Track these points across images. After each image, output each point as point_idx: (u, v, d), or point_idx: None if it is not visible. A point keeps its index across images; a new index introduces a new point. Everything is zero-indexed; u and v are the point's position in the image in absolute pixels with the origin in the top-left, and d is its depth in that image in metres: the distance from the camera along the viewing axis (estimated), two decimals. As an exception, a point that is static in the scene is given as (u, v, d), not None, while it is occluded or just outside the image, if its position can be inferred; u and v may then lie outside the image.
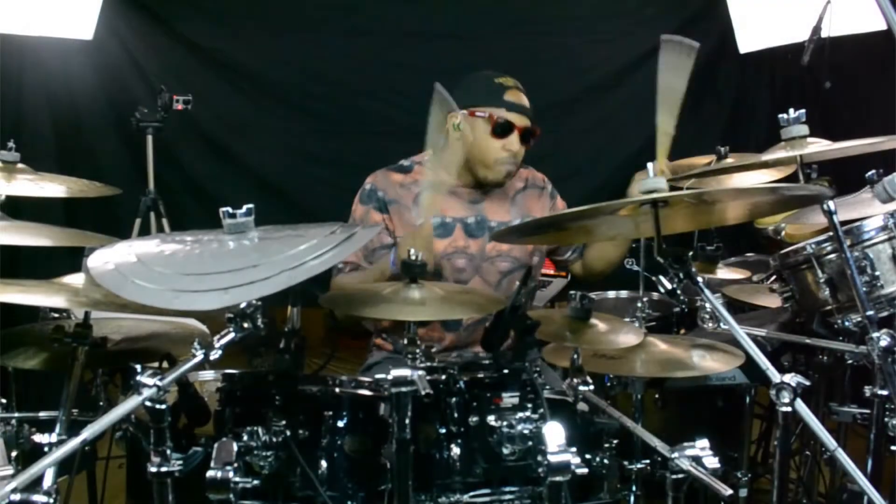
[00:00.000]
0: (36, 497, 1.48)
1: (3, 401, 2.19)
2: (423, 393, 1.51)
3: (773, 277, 2.34)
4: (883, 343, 1.79)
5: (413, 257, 1.80)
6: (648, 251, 2.59)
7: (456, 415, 1.66)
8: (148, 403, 1.45)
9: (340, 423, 1.67)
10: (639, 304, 2.52)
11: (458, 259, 2.49)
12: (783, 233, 2.77)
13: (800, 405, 1.52)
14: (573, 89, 4.73)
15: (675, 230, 1.82)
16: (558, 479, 1.57)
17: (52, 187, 2.30)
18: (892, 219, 2.07)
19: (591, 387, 1.83)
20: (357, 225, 2.47)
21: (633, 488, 2.06)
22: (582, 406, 1.86)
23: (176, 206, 4.19)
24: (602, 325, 2.00)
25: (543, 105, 4.54)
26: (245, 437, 1.59)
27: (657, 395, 2.46)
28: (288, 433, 1.61)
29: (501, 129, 2.43)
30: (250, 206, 1.52)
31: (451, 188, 2.52)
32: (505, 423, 1.64)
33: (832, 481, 2.69)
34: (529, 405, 1.66)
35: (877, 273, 2.06)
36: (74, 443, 1.41)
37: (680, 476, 1.67)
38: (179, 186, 4.45)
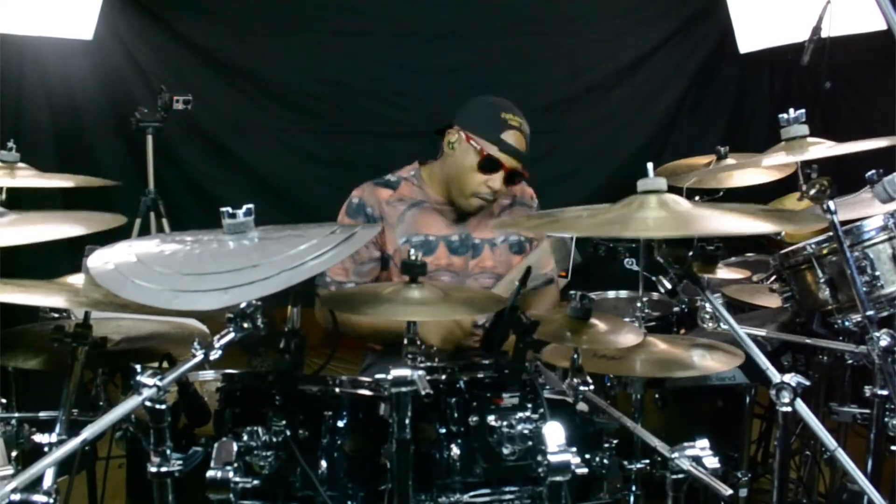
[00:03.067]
0: (36, 497, 1.48)
1: (3, 401, 2.19)
2: (423, 393, 1.51)
3: (773, 277, 2.34)
4: (883, 343, 1.79)
5: (413, 257, 1.80)
6: (648, 251, 2.59)
7: (456, 415, 1.66)
8: (148, 403, 1.45)
9: (340, 423, 1.67)
10: (639, 304, 2.52)
11: (442, 276, 2.50)
12: (783, 233, 2.77)
13: (800, 405, 1.52)
14: (573, 89, 4.72)
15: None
16: (558, 479, 1.56)
17: (52, 186, 2.30)
18: (892, 219, 2.07)
19: (591, 387, 1.83)
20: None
21: (633, 488, 2.06)
22: (582, 406, 1.86)
23: (176, 206, 4.20)
24: (602, 325, 2.00)
25: (543, 105, 4.60)
26: (245, 437, 1.59)
27: (657, 395, 2.46)
28: (288, 433, 1.61)
29: (488, 166, 2.40)
30: (250, 206, 1.52)
31: (435, 206, 2.54)
32: (505, 423, 1.64)
33: (832, 481, 2.69)
34: (529, 405, 1.66)
35: (877, 273, 2.06)
36: (74, 443, 1.41)
37: (680, 476, 1.67)
38: (179, 186, 4.45)
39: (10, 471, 1.82)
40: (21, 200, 2.35)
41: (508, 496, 1.66)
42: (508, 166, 2.40)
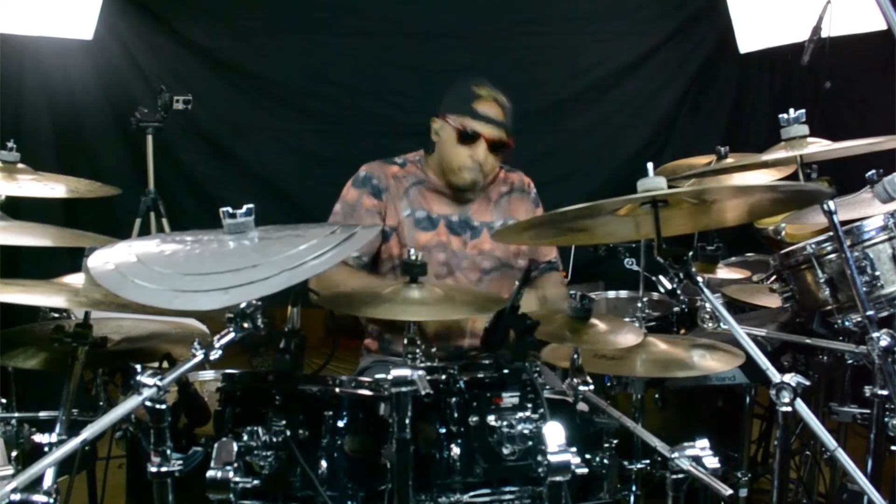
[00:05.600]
0: (36, 497, 1.48)
1: (3, 401, 2.19)
2: (423, 393, 1.51)
3: (773, 277, 2.34)
4: (883, 343, 1.79)
5: (413, 257, 1.80)
6: (648, 251, 2.59)
7: (456, 415, 1.66)
8: (148, 403, 1.45)
9: (340, 423, 1.67)
10: (639, 304, 2.52)
11: (440, 253, 2.52)
12: (783, 233, 2.77)
13: (800, 405, 1.52)
14: (573, 89, 4.73)
15: (675, 232, 1.82)
16: (558, 479, 1.57)
17: (52, 187, 2.30)
18: (892, 219, 2.07)
19: (591, 387, 1.83)
20: (347, 210, 2.52)
21: (633, 488, 2.06)
22: (582, 406, 1.86)
23: (176, 206, 4.19)
24: (602, 325, 2.00)
25: (543, 105, 4.61)
26: (245, 437, 1.59)
27: (657, 395, 2.46)
28: (288, 433, 1.61)
29: (466, 137, 2.45)
30: (250, 206, 1.52)
31: (438, 188, 2.57)
32: (505, 423, 1.64)
33: (832, 481, 2.69)
34: (529, 405, 1.66)
35: (877, 273, 2.06)
36: (74, 443, 1.41)
37: (680, 476, 1.67)
38: (179, 186, 4.45)
39: (10, 471, 1.83)
40: (20, 199, 2.35)
41: (508, 496, 1.66)
42: (487, 135, 2.44)
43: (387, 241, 2.54)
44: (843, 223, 1.97)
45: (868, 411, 2.00)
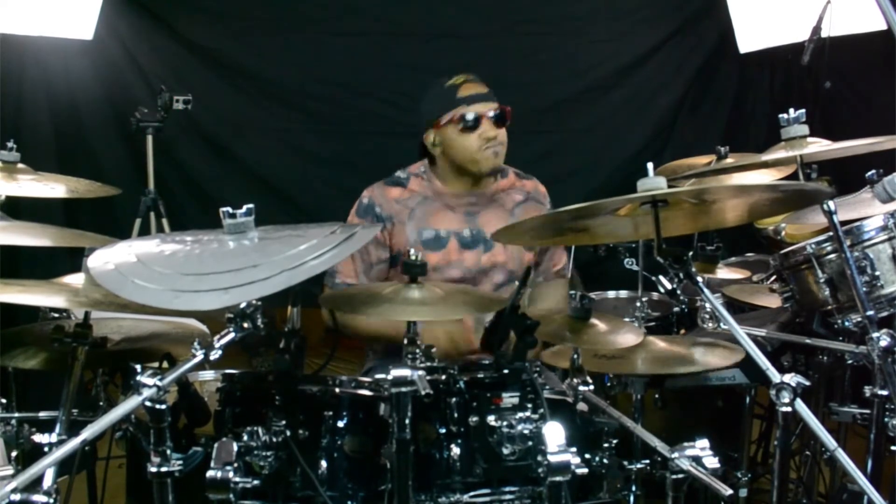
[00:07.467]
0: (36, 497, 1.48)
1: (3, 401, 2.19)
2: (423, 393, 1.51)
3: (773, 277, 2.34)
4: (883, 343, 1.79)
5: (413, 258, 1.80)
6: (648, 251, 2.59)
7: (456, 415, 1.66)
8: (148, 403, 1.45)
9: (340, 423, 1.67)
10: (639, 304, 2.52)
11: (453, 271, 2.49)
12: (783, 233, 2.77)
13: (800, 405, 1.52)
14: (573, 89, 4.72)
15: (675, 232, 1.82)
16: (558, 479, 1.57)
17: (52, 187, 2.30)
18: (892, 219, 2.07)
19: (591, 387, 1.83)
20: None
21: (633, 488, 2.06)
22: (582, 406, 1.86)
23: (176, 206, 4.19)
24: (602, 325, 2.00)
25: (543, 105, 4.61)
26: (245, 437, 1.60)
27: (657, 395, 2.46)
28: (288, 433, 1.61)
29: (469, 123, 2.44)
30: (250, 206, 1.52)
31: (446, 200, 2.54)
32: (505, 423, 1.64)
33: (832, 481, 2.69)
34: (529, 405, 1.66)
35: (877, 273, 2.06)
36: (74, 443, 1.41)
37: (680, 476, 1.68)
38: (179, 186, 4.45)
39: (10, 471, 1.83)
40: (20, 199, 2.35)
41: (508, 496, 1.66)
42: (486, 111, 2.45)
43: (395, 267, 2.51)
44: (843, 223, 1.97)
45: (868, 411, 2.01)
